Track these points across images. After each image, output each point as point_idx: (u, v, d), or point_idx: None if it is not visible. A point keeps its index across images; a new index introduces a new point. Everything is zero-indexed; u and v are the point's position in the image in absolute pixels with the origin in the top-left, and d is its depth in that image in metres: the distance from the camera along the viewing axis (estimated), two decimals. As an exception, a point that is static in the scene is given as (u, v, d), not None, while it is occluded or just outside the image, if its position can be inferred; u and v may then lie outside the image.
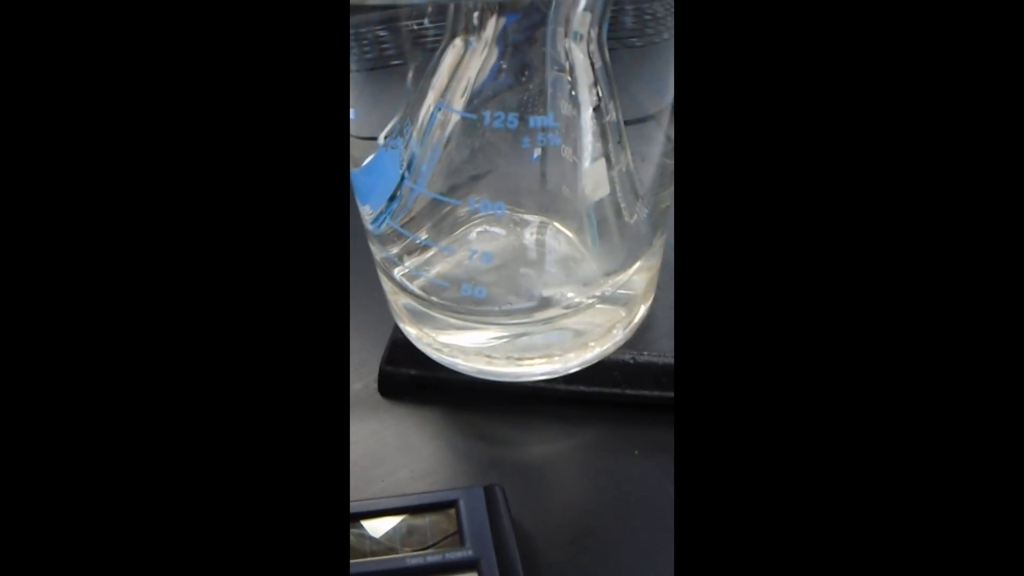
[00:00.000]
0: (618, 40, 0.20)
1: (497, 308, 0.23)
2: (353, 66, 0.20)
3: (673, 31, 0.19)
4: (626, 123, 0.22)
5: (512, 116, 0.18)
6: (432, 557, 0.20)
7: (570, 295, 0.23)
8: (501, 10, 0.18)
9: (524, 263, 0.24)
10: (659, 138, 0.22)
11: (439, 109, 0.20)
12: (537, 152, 0.20)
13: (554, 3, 0.18)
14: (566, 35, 0.19)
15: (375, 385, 0.27)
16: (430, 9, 0.19)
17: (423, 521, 0.21)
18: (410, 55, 0.20)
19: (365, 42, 0.20)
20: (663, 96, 0.21)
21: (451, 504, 0.21)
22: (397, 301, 0.25)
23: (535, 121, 0.18)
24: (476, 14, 0.18)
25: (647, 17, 0.20)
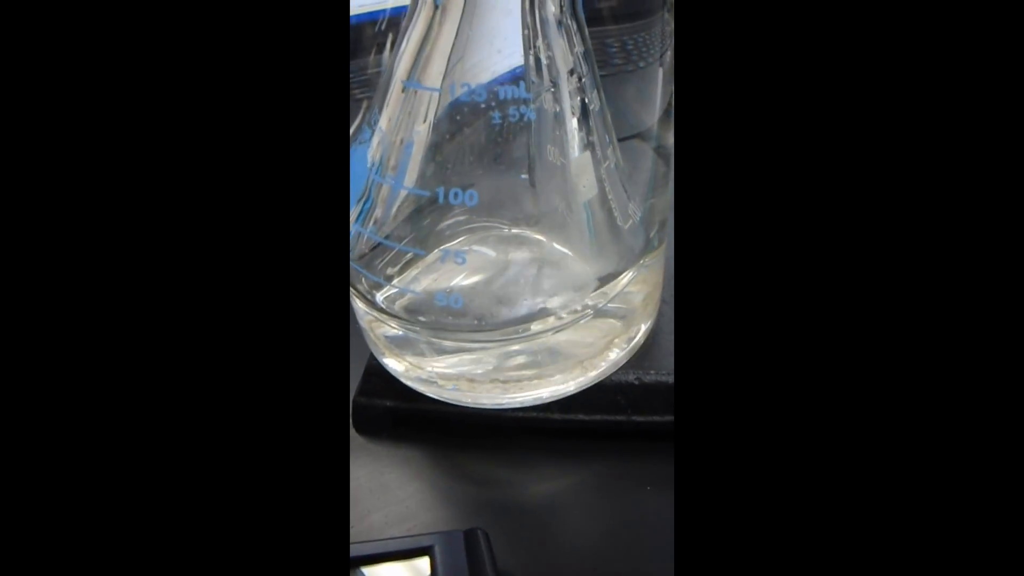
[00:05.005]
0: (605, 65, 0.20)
1: (478, 322, 0.21)
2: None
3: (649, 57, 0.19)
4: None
5: (480, 88, 0.16)
6: (399, 614, 0.18)
7: (560, 305, 0.21)
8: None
9: (508, 272, 0.22)
10: (648, 151, 0.21)
11: (407, 88, 0.18)
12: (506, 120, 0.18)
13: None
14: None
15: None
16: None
17: (393, 572, 0.19)
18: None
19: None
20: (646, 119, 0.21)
21: (424, 551, 0.19)
22: (375, 330, 0.23)
23: (505, 92, 0.16)
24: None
25: (630, 47, 0.21)
